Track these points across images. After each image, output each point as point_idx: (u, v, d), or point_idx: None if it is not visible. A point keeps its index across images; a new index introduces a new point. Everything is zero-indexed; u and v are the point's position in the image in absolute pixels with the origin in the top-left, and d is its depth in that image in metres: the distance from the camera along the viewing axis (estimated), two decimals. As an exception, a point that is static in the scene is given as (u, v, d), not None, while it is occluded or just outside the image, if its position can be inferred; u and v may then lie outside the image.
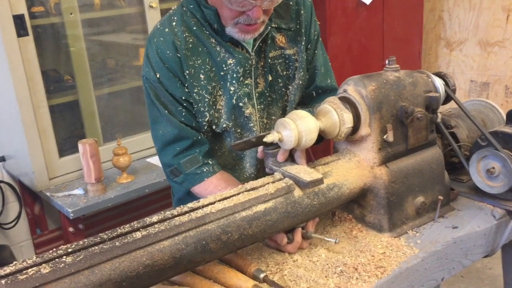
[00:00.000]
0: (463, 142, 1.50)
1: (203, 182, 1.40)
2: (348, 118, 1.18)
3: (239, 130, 1.45)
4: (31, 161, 2.24)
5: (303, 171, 1.13)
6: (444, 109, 1.68)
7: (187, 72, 1.37)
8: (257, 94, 1.44)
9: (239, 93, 1.40)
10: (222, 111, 1.42)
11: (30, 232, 2.75)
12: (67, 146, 2.42)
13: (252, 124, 1.44)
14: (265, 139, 1.14)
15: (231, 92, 1.40)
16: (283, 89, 1.49)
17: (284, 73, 1.47)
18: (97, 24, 2.56)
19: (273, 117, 1.48)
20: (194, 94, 1.38)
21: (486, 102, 1.65)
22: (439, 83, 1.35)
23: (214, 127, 1.43)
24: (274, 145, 1.17)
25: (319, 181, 1.11)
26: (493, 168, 1.30)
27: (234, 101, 1.41)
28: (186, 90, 1.38)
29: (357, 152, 1.26)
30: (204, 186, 1.40)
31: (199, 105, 1.39)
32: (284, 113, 1.49)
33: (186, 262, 0.98)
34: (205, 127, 1.42)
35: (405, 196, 1.27)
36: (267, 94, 1.46)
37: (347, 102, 1.21)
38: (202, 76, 1.38)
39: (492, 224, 1.32)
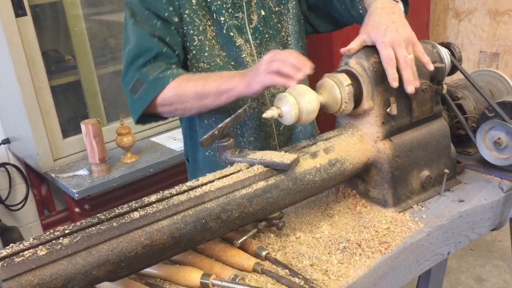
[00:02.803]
0: (470, 114, 1.46)
1: (166, 86, 1.28)
2: (349, 92, 1.15)
3: (233, 63, 1.43)
4: (34, 143, 2.23)
5: (275, 156, 1.08)
6: (451, 80, 1.64)
7: None
8: (251, 30, 1.44)
9: (229, 23, 1.40)
10: (213, 41, 1.41)
11: (38, 213, 2.77)
12: (71, 126, 2.41)
13: (244, 55, 1.42)
14: (264, 115, 1.11)
15: (221, 22, 1.40)
16: (279, 25, 1.48)
17: (277, 8, 1.48)
18: (97, 4, 2.52)
19: None
20: (185, 16, 1.36)
21: (495, 72, 1.60)
22: (444, 53, 1.30)
23: (206, 54, 1.39)
24: (227, 137, 1.12)
25: (297, 160, 1.08)
26: (500, 139, 1.27)
27: (224, 30, 1.40)
28: (171, 9, 1.34)
29: (360, 126, 1.23)
30: (175, 85, 1.28)
31: (189, 27, 1.37)
32: (284, 48, 1.48)
33: (186, 242, 0.97)
34: (193, 52, 1.39)
35: (410, 170, 1.24)
36: (261, 29, 1.45)
37: (349, 75, 1.18)
38: (194, 1, 1.37)
39: (499, 196, 1.29)
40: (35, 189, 2.71)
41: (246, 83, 1.21)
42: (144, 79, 1.30)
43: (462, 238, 1.25)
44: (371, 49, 1.19)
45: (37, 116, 2.22)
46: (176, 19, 1.36)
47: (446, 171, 1.28)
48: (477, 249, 3.15)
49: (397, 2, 1.25)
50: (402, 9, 1.25)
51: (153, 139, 2.58)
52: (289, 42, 1.51)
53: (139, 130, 2.52)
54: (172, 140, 2.54)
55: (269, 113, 1.10)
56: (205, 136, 1.08)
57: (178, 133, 2.61)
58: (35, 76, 2.19)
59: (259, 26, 1.45)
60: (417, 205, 1.25)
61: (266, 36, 1.47)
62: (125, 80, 1.35)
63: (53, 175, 2.26)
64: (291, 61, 1.13)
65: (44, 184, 2.70)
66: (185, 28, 1.37)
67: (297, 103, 1.09)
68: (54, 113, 2.29)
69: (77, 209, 2.23)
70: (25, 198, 2.69)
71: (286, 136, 1.54)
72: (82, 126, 2.12)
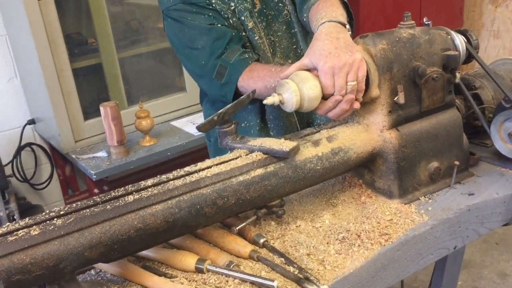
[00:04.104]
0: (488, 104, 1.41)
1: (249, 66, 1.37)
2: (354, 79, 1.12)
3: (248, 44, 1.47)
4: (56, 124, 2.28)
5: (274, 143, 1.07)
6: (470, 69, 1.58)
7: None
8: (256, 14, 1.47)
9: (239, 7, 1.45)
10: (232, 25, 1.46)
11: (62, 193, 2.84)
12: (92, 109, 2.45)
13: (257, 37, 1.46)
14: (265, 101, 1.09)
15: (232, 7, 1.45)
16: (280, 5, 1.51)
17: None
18: (120, -14, 2.54)
19: (278, 33, 1.51)
20: (213, 2, 1.43)
21: (519, 61, 1.53)
22: (459, 40, 1.25)
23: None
24: (229, 123, 1.11)
25: (297, 148, 1.07)
26: (515, 131, 1.22)
27: (237, 14, 1.45)
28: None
29: (366, 115, 1.20)
30: (252, 72, 1.36)
31: (222, 13, 1.44)
32: (288, 28, 1.52)
33: (180, 226, 0.97)
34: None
35: (418, 161, 1.21)
36: (265, 11, 1.49)
37: (355, 61, 1.15)
38: None
39: (513, 191, 1.24)
40: (60, 169, 2.78)
41: None
42: (226, 64, 1.38)
43: (470, 232, 1.21)
44: (379, 35, 1.15)
45: (59, 98, 2.26)
46: (218, 7, 1.43)
47: (456, 163, 1.23)
48: (503, 244, 3.06)
49: (345, 25, 1.20)
50: (350, 32, 1.20)
51: (172, 123, 2.59)
52: (292, 20, 1.52)
53: (159, 114, 2.54)
54: (191, 125, 2.55)
55: (269, 100, 1.09)
56: (203, 121, 1.07)
57: (198, 118, 2.62)
58: (57, 59, 2.22)
59: (262, 9, 1.48)
60: (425, 197, 1.22)
61: (269, 17, 1.50)
62: (206, 70, 1.42)
63: (73, 156, 2.31)
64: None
65: (68, 165, 2.76)
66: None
67: (298, 90, 1.07)
68: (76, 96, 2.32)
69: (96, 190, 2.27)
70: (50, 178, 2.76)
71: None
72: (101, 109, 2.15)
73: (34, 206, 2.67)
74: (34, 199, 2.80)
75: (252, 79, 1.35)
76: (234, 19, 1.45)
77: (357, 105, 1.12)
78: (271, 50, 1.50)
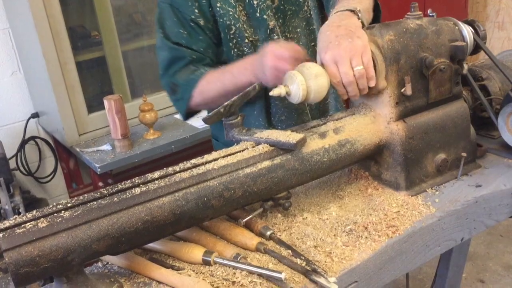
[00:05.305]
0: (495, 95, 1.40)
1: (198, 83, 1.37)
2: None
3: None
4: (60, 117, 2.27)
5: (281, 135, 1.06)
6: (478, 60, 1.57)
7: None
8: (274, 10, 1.44)
9: (262, 6, 1.41)
10: (245, 25, 1.42)
11: (66, 186, 2.84)
12: (96, 102, 2.44)
13: (276, 37, 1.43)
14: (271, 93, 1.09)
15: (254, 5, 1.40)
16: (300, 0, 1.47)
17: None
18: (123, -21, 2.52)
19: (298, 29, 1.49)
20: (218, 8, 1.39)
21: (526, 51, 1.52)
22: (467, 31, 1.24)
23: (246, 41, 1.42)
24: (234, 116, 1.11)
25: (304, 140, 1.06)
26: (523, 123, 1.21)
27: (257, 14, 1.41)
28: (196, 11, 1.39)
29: (373, 106, 1.19)
30: (201, 87, 1.37)
31: (224, 19, 1.39)
32: (308, 24, 1.50)
33: (187, 219, 0.97)
34: (233, 41, 1.42)
35: (425, 152, 1.20)
36: (282, 8, 1.45)
37: (362, 53, 1.14)
38: None
39: (520, 182, 1.24)
40: (64, 163, 2.78)
41: (256, 76, 1.24)
42: (177, 82, 1.40)
43: (477, 224, 1.20)
44: (386, 26, 1.14)
45: (62, 91, 2.25)
46: (201, 21, 1.39)
47: (464, 154, 1.23)
48: (508, 236, 3.05)
49: (353, 10, 1.17)
50: (358, 18, 1.16)
51: (176, 116, 2.58)
52: (312, 17, 1.50)
53: (163, 107, 2.54)
54: (196, 118, 2.53)
55: (276, 91, 1.08)
56: (210, 114, 1.07)
57: (202, 111, 2.61)
58: (61, 52, 2.22)
59: (280, 6, 1.44)
60: (432, 189, 1.22)
61: (289, 13, 1.46)
62: (163, 82, 1.46)
63: (78, 149, 2.31)
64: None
65: (72, 158, 2.76)
66: (220, 20, 1.39)
67: (305, 82, 1.07)
68: (79, 89, 2.32)
69: (100, 183, 2.27)
70: (54, 171, 2.76)
71: (319, 110, 1.56)
72: (105, 102, 2.14)
73: (38, 200, 2.68)
74: (38, 193, 2.80)
75: (205, 93, 1.36)
76: (238, 25, 1.40)
77: (372, 83, 1.11)
78: None
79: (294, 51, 1.18)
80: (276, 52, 1.18)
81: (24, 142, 2.62)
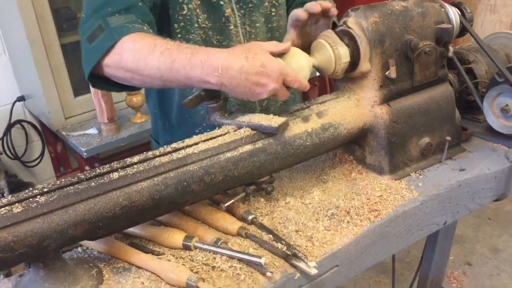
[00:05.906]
0: (481, 79, 1.39)
1: (127, 36, 1.05)
2: (344, 53, 1.09)
3: (218, 37, 1.30)
4: (46, 101, 2.25)
5: (263, 119, 1.04)
6: (466, 43, 1.55)
7: None
8: (235, 0, 1.30)
9: None
10: (198, 10, 1.25)
11: (54, 170, 2.82)
12: (82, 85, 2.41)
13: (232, 27, 1.30)
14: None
15: None
16: None
17: None
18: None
19: (257, 25, 1.36)
20: None
21: (513, 34, 1.50)
22: (453, 13, 1.22)
23: (196, 25, 1.25)
24: (216, 99, 1.08)
25: (286, 123, 1.04)
26: (508, 106, 1.20)
27: None
28: None
29: (357, 90, 1.18)
30: (129, 44, 1.05)
31: None
32: (267, 22, 1.38)
33: (167, 203, 0.96)
34: (182, 24, 1.24)
35: (409, 136, 1.19)
36: None
37: (346, 35, 1.12)
38: None
39: (504, 166, 1.23)
40: (51, 147, 2.76)
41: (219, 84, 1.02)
42: (106, 26, 1.07)
43: (460, 208, 1.20)
44: (371, 8, 1.12)
45: (47, 74, 2.22)
46: None
47: (448, 138, 1.22)
48: (496, 219, 3.08)
49: None
50: None
51: (164, 99, 2.56)
52: (273, 13, 1.39)
53: (150, 90, 2.51)
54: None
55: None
56: (190, 97, 1.05)
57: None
58: (45, 34, 2.18)
59: None
60: (415, 173, 1.21)
61: (250, 6, 1.34)
62: (84, 27, 1.11)
63: (64, 133, 2.28)
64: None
65: (59, 142, 2.74)
66: None
67: (287, 65, 1.05)
68: (65, 71, 2.29)
69: (87, 167, 2.25)
70: (41, 155, 2.74)
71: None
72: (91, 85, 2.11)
73: (25, 184, 2.66)
74: (26, 177, 2.78)
75: (127, 56, 1.05)
76: (190, 6, 1.23)
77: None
78: (246, 41, 1.34)
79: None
80: (288, 73, 1.02)
81: (10, 126, 2.59)
